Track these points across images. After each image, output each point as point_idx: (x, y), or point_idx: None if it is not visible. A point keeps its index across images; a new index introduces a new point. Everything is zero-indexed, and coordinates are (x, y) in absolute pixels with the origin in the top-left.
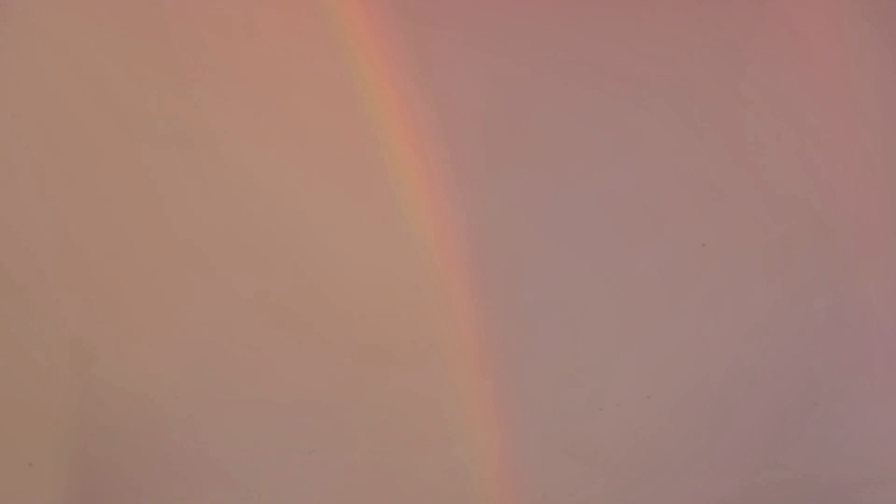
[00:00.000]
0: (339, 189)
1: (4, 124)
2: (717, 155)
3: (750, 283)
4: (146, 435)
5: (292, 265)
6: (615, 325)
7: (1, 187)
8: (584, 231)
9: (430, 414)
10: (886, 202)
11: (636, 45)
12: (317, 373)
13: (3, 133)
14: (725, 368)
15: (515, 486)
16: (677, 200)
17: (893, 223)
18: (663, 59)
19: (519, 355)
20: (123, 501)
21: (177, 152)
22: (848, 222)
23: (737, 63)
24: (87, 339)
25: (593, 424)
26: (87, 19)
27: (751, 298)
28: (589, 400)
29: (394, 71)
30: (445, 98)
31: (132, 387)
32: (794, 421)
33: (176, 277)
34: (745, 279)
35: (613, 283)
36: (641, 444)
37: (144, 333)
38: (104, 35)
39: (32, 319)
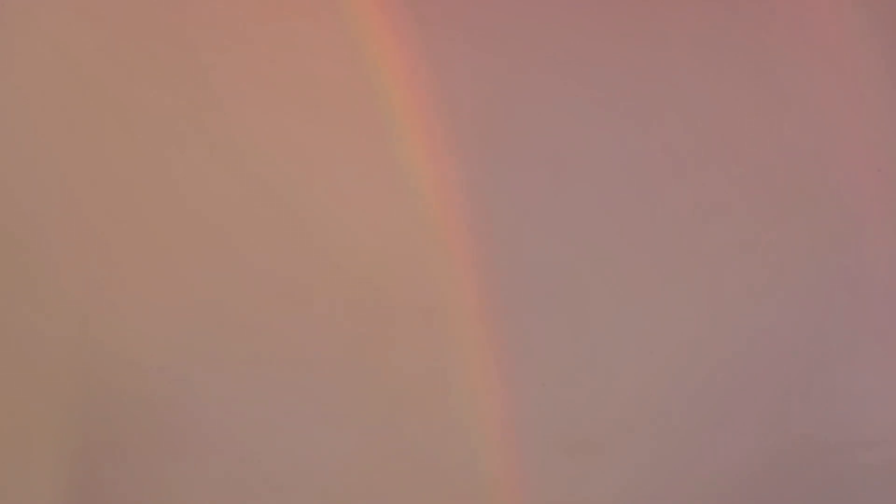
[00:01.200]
0: (343, 152)
1: (8, 85)
2: (727, 116)
3: (758, 244)
4: (145, 399)
5: (295, 228)
6: (623, 289)
7: (6, 151)
8: (591, 195)
9: (432, 378)
10: None
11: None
12: (318, 337)
13: (8, 94)
14: (732, 331)
15: (519, 453)
16: (685, 161)
17: None
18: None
19: (524, 318)
20: (126, 467)
21: (182, 117)
22: (861, 183)
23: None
24: (90, 304)
25: (600, 389)
26: None
27: (760, 260)
28: (596, 365)
29: (398, 39)
30: (448, 61)
31: (132, 350)
32: (802, 383)
33: (178, 240)
34: (754, 240)
35: (622, 246)
36: (648, 410)
37: (147, 296)
38: (114, 9)
39: (35, 286)
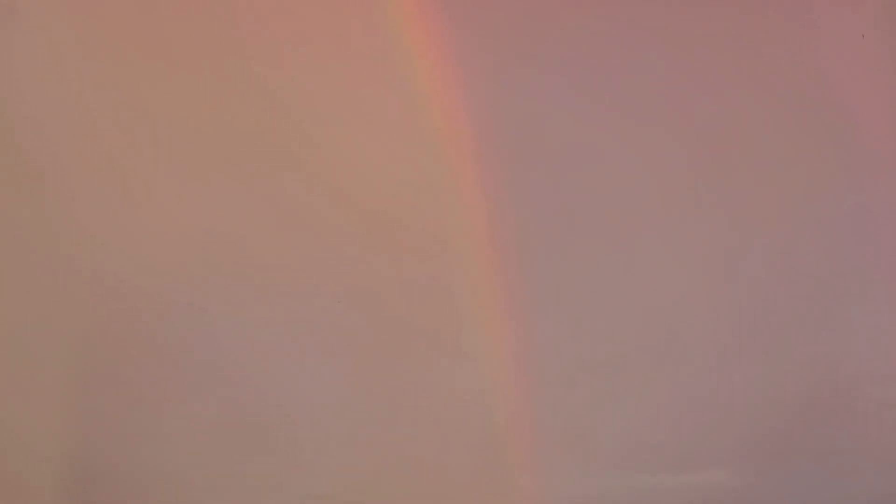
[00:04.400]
0: (360, 91)
1: (36, 19)
2: (759, 49)
3: (780, 179)
4: (152, 326)
5: (311, 163)
6: (641, 220)
7: (30, 80)
8: (614, 117)
9: (444, 310)
10: None
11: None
12: (330, 269)
13: (35, 26)
14: (751, 265)
15: (527, 380)
16: (710, 90)
17: None
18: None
19: (537, 250)
20: (131, 394)
21: (202, 48)
22: (876, 124)
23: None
24: (99, 228)
25: (616, 319)
26: None
27: (781, 194)
28: (612, 296)
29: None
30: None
31: (140, 276)
32: (818, 318)
33: (191, 169)
34: (777, 175)
35: (640, 175)
36: (660, 341)
37: (157, 224)
38: None
39: (45, 207)
